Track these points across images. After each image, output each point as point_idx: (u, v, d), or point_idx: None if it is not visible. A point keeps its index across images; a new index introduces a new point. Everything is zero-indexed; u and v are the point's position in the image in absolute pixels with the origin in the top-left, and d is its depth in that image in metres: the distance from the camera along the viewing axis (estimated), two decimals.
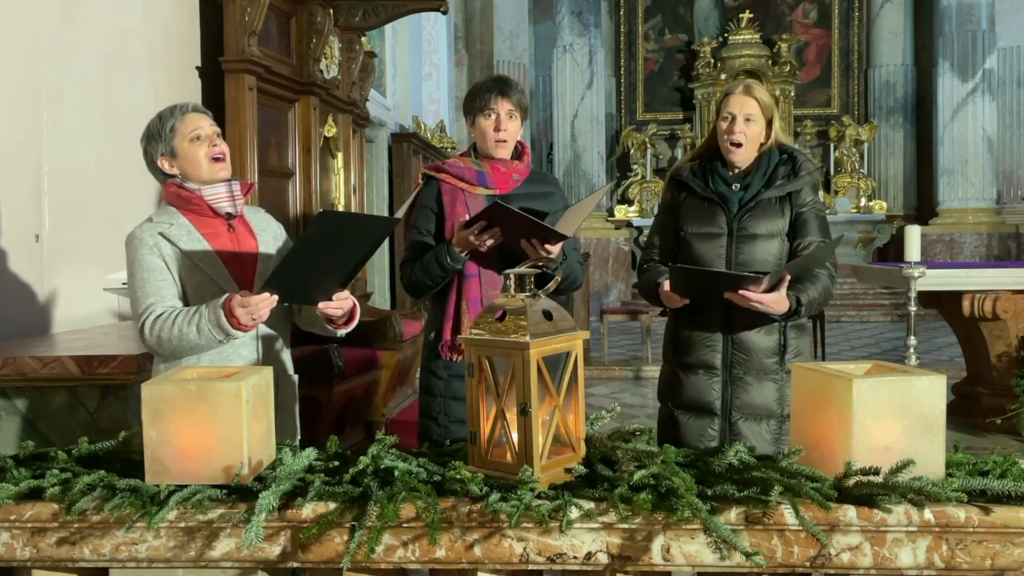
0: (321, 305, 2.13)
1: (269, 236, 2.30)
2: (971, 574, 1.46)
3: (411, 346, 4.64)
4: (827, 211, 2.88)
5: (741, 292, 2.31)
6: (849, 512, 1.44)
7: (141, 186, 3.70)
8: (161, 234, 2.14)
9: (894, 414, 1.50)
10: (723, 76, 13.34)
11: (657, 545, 1.46)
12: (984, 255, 12.61)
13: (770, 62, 13.70)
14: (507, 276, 1.63)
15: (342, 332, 2.26)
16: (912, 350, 5.57)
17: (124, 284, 3.43)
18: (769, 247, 2.51)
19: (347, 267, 2.11)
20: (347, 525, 1.47)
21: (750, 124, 2.51)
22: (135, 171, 3.63)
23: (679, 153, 13.81)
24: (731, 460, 1.55)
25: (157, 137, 2.17)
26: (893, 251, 13.04)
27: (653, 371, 7.63)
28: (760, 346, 2.51)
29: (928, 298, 5.63)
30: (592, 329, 8.90)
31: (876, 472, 1.44)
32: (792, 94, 13.72)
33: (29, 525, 1.53)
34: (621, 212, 13.67)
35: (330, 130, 5.00)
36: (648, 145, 13.90)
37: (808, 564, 1.46)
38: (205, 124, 2.18)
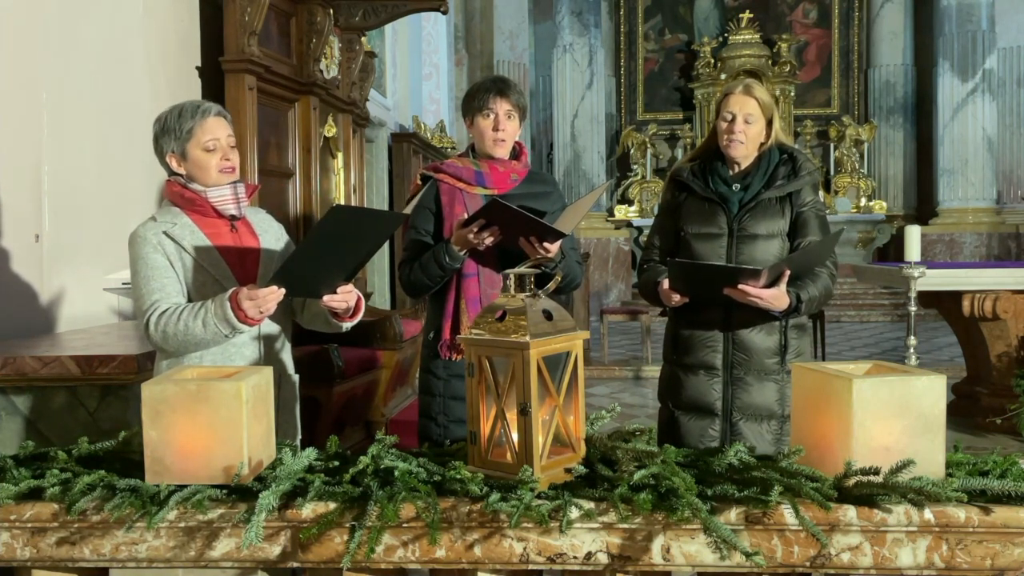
0: (327, 298, 2.12)
1: (271, 237, 2.30)
2: (971, 574, 1.46)
3: (411, 346, 4.65)
4: (827, 211, 2.88)
5: (740, 287, 2.31)
6: (849, 512, 1.44)
7: (141, 186, 3.70)
8: (165, 233, 2.14)
9: (894, 414, 1.50)
10: (723, 76, 13.34)
11: (657, 545, 1.46)
12: (984, 255, 12.61)
13: (770, 62, 13.69)
14: (507, 276, 1.62)
15: (347, 325, 2.26)
16: (912, 350, 5.57)
17: (124, 284, 3.44)
18: (769, 247, 2.51)
19: (354, 261, 2.11)
20: (347, 525, 1.47)
21: (750, 124, 2.51)
22: (135, 171, 3.64)
23: (679, 153, 13.80)
24: (731, 460, 1.55)
25: (172, 134, 2.15)
26: (893, 251, 13.05)
27: (653, 371, 7.63)
28: (761, 346, 2.50)
29: (928, 298, 5.63)
30: (592, 329, 8.90)
31: (876, 472, 1.44)
32: (792, 94, 13.72)
33: (29, 525, 1.53)
34: (621, 212, 13.67)
35: (330, 130, 5.00)
36: (648, 145, 13.90)
37: (808, 564, 1.46)
38: (223, 135, 2.16)
